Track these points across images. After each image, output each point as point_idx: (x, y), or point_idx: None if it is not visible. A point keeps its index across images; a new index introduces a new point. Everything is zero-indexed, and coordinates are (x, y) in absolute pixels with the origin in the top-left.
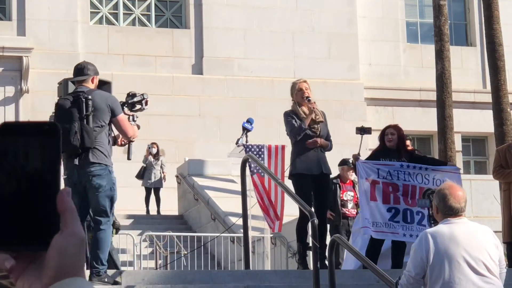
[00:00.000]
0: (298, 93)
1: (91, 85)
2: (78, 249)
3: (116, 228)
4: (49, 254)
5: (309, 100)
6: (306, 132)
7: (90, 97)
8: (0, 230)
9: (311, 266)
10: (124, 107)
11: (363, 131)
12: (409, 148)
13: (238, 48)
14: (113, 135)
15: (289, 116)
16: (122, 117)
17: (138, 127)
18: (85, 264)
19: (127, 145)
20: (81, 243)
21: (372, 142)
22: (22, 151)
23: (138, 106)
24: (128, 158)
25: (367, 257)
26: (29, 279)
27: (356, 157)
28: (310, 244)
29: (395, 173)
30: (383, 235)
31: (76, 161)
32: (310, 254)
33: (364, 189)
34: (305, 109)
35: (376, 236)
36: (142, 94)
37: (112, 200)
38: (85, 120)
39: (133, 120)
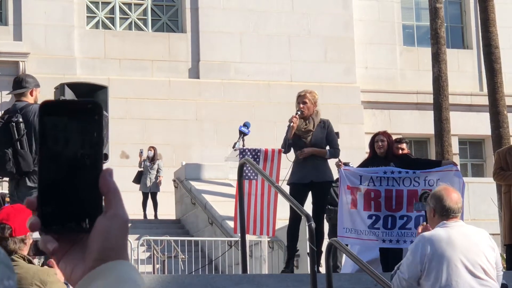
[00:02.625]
0: (297, 106)
1: (30, 98)
2: (122, 231)
3: None
4: (92, 236)
5: (296, 113)
6: (297, 142)
7: (20, 119)
8: (43, 213)
9: (307, 270)
10: None
11: None
12: (405, 151)
13: (235, 52)
14: None
15: (287, 129)
16: None
17: None
18: (127, 247)
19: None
20: (125, 224)
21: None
22: (64, 133)
23: None
24: None
25: (365, 261)
26: (72, 261)
27: (338, 164)
28: (307, 250)
29: (377, 179)
30: (362, 242)
31: (15, 185)
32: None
33: (344, 197)
34: (295, 120)
35: (353, 243)
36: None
37: None
38: (18, 143)
39: None
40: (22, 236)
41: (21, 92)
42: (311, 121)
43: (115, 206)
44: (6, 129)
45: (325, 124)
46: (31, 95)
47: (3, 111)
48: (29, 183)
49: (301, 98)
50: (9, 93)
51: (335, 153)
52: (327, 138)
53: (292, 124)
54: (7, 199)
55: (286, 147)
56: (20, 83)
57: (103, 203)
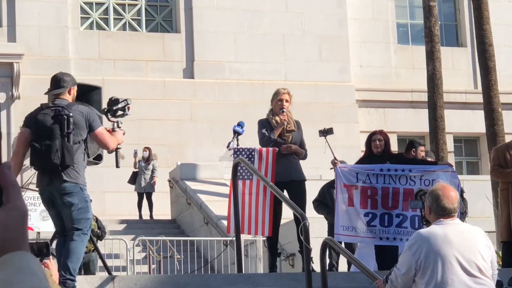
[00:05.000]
0: (278, 104)
1: (68, 97)
2: (20, 223)
3: (96, 235)
4: None
5: (282, 111)
6: (277, 140)
7: (71, 114)
8: None
9: (300, 269)
10: (108, 114)
11: (325, 132)
12: (422, 155)
13: (229, 52)
14: (87, 151)
15: (262, 125)
16: (100, 130)
17: (124, 133)
18: (27, 238)
19: (114, 153)
20: (23, 217)
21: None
22: None
23: (120, 112)
24: (117, 166)
25: (360, 260)
26: None
27: (333, 162)
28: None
29: (374, 176)
30: (360, 240)
31: (49, 179)
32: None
33: (341, 195)
34: (278, 119)
35: (349, 241)
36: (126, 100)
37: (86, 218)
38: (66, 138)
39: (118, 127)
40: None
41: (59, 92)
42: (291, 120)
43: (14, 198)
44: (57, 121)
45: (299, 125)
46: (69, 94)
47: (40, 104)
48: (64, 177)
49: (284, 96)
50: (47, 92)
51: (306, 154)
52: (302, 139)
53: (285, 124)
54: None
55: (267, 145)
56: (58, 83)
57: (3, 196)
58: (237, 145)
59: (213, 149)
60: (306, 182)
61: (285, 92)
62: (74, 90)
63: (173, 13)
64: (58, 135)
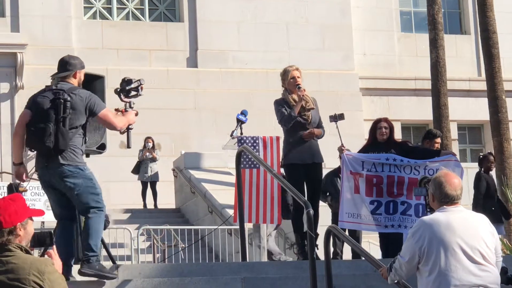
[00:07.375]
0: (291, 81)
1: (73, 80)
2: None
3: None
4: None
5: (299, 88)
6: (297, 119)
7: (68, 98)
8: None
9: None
10: (121, 94)
11: (336, 118)
12: (436, 146)
13: (232, 41)
14: (86, 136)
15: (279, 104)
16: (104, 112)
17: (136, 113)
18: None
19: (125, 133)
20: None
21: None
22: None
23: (133, 93)
24: (128, 147)
25: (364, 248)
26: None
27: (340, 149)
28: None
29: (380, 165)
30: (366, 227)
31: (46, 162)
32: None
33: (347, 182)
34: (295, 97)
35: (354, 228)
36: (139, 80)
37: (96, 194)
38: (61, 122)
39: (130, 107)
40: (10, 227)
41: (64, 75)
42: (308, 98)
43: None
44: (53, 105)
45: (316, 103)
46: (75, 78)
47: (45, 86)
48: (61, 161)
49: (295, 73)
50: (53, 75)
51: (324, 133)
52: (319, 117)
53: (303, 99)
54: (21, 188)
55: (290, 123)
56: (64, 66)
57: None
58: (241, 133)
59: (217, 138)
60: None
61: (294, 69)
62: (80, 74)
63: (176, 2)
64: (53, 119)
